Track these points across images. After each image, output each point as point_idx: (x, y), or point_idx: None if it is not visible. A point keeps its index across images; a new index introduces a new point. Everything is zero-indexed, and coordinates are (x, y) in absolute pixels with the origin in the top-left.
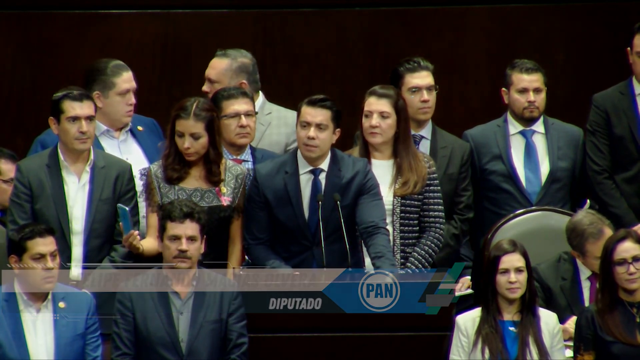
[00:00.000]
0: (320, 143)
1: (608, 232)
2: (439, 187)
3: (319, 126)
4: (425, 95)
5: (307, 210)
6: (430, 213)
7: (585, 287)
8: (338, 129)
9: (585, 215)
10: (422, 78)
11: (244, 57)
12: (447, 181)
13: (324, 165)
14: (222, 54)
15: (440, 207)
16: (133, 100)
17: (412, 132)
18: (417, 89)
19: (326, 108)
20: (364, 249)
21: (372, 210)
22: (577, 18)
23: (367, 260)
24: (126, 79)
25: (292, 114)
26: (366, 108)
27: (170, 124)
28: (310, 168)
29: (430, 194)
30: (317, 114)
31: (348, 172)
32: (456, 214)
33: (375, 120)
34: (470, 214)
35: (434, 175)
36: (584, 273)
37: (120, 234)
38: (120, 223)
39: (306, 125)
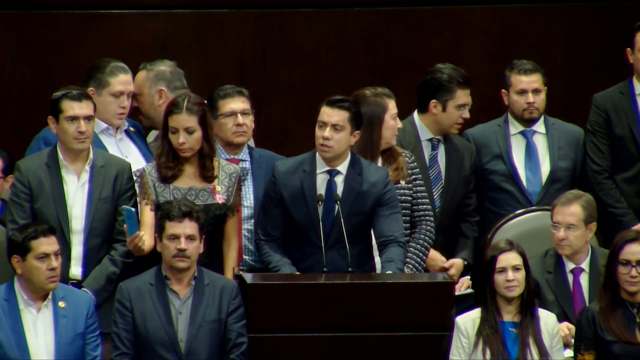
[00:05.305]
0: (335, 144)
1: None
2: (422, 182)
3: (334, 127)
4: (467, 113)
5: (321, 210)
6: (420, 207)
7: (569, 280)
8: (357, 131)
9: None
10: (467, 96)
11: (162, 66)
12: (463, 184)
13: (342, 167)
14: (142, 67)
15: (427, 200)
16: (126, 103)
17: (431, 137)
18: (463, 106)
19: (344, 109)
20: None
21: (391, 223)
22: (577, 18)
23: (378, 268)
24: (122, 81)
25: None
26: (394, 111)
27: (163, 122)
28: (327, 168)
29: (418, 188)
30: (334, 115)
31: (367, 179)
32: (469, 216)
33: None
34: (478, 216)
35: (417, 170)
36: (568, 266)
37: (120, 233)
38: (125, 225)
39: (323, 125)
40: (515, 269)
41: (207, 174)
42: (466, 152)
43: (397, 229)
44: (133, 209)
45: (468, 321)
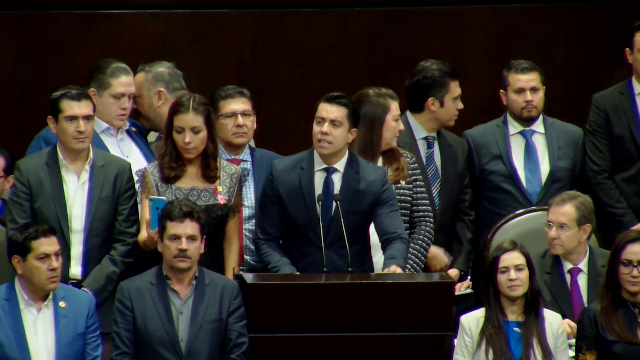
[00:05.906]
0: (333, 140)
1: None
2: (423, 182)
3: (333, 122)
4: (461, 104)
5: (319, 207)
6: (420, 207)
7: (567, 280)
8: (354, 129)
9: None
10: (459, 86)
11: (160, 67)
12: (459, 179)
13: (339, 165)
14: (141, 68)
15: (427, 200)
16: (127, 104)
17: (426, 135)
18: (458, 98)
19: (342, 105)
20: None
21: (392, 220)
22: (577, 18)
23: (376, 268)
24: (123, 82)
25: None
26: (396, 112)
27: (167, 122)
28: (324, 166)
29: (418, 189)
30: (333, 110)
31: (365, 177)
32: (464, 214)
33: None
34: (473, 213)
35: (418, 171)
36: (566, 266)
37: (120, 233)
38: (149, 216)
39: (321, 121)
40: (518, 268)
41: (210, 174)
42: (459, 147)
43: (398, 225)
44: (165, 199)
45: (472, 320)
